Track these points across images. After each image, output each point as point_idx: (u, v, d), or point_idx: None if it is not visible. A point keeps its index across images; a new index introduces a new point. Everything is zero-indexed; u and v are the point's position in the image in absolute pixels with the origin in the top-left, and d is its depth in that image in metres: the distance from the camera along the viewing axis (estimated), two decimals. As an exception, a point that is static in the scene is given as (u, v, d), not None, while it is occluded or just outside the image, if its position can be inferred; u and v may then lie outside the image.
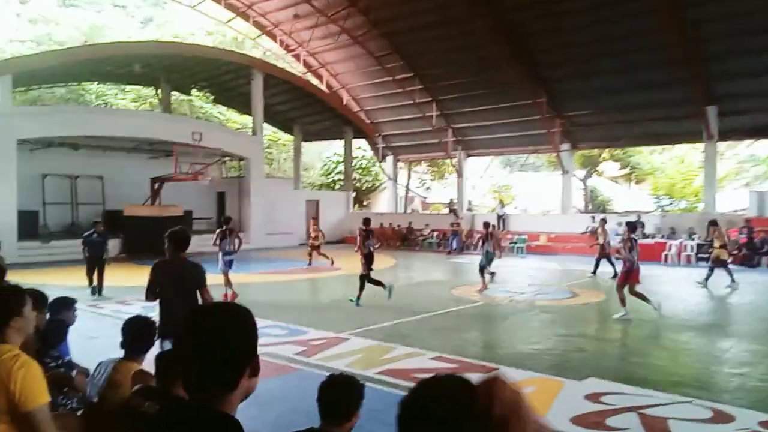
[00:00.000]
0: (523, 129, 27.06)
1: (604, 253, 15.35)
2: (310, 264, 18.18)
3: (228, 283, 11.53)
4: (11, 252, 16.67)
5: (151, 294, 4.83)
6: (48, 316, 4.08)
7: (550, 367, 6.83)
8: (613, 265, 14.81)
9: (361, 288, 11.22)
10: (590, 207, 34.46)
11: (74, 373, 3.77)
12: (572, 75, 23.69)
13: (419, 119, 29.96)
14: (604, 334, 8.96)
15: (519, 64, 23.85)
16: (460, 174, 30.74)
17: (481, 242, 13.68)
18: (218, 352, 1.34)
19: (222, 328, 1.36)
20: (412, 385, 1.22)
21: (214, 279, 13.66)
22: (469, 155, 30.94)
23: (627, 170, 37.56)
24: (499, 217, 25.93)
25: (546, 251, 23.27)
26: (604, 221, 16.23)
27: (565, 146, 26.51)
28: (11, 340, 2.38)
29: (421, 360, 7.08)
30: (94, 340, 7.50)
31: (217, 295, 6.35)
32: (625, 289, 9.94)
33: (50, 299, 4.27)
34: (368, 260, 11.50)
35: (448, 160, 33.14)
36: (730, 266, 14.01)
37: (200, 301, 4.79)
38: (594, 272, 15.68)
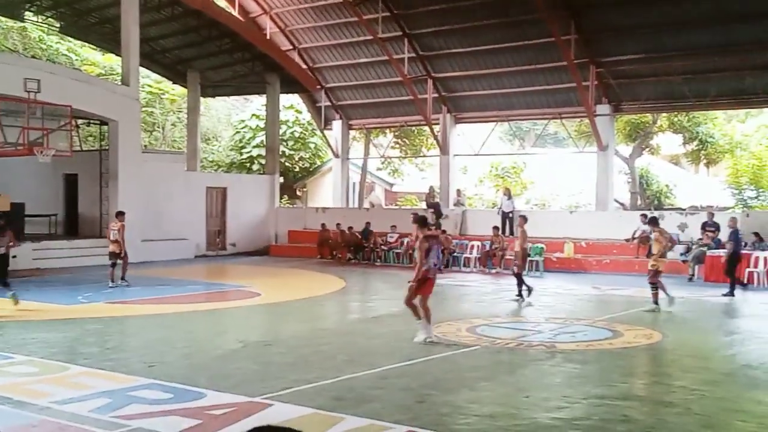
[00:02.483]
0: (542, 81, 27.33)
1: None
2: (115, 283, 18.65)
3: None
4: None
5: None
6: None
7: (580, 447, 6.82)
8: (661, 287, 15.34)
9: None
10: (640, 201, 35.07)
11: None
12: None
13: (383, 64, 29.93)
14: (659, 394, 9.03)
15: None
16: (444, 150, 30.83)
17: None
18: None
19: None
20: None
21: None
22: (458, 121, 31.09)
23: (694, 146, 38.27)
24: (505, 215, 26.08)
25: (573, 267, 23.52)
26: (653, 220, 16.62)
27: (604, 108, 26.91)
28: None
29: (383, 438, 6.96)
30: None
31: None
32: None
33: None
34: None
35: (426, 129, 33.21)
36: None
37: None
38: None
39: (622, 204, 34.33)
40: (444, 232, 24.64)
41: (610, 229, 24.34)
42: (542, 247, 23.85)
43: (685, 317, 15.13)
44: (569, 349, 11.51)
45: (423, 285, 11.75)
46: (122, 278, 18.77)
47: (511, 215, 26.09)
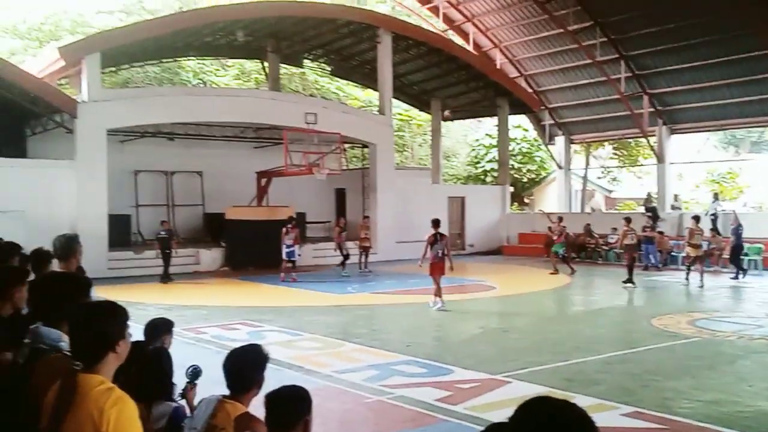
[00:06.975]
0: (756, 91, 25.09)
1: None
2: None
3: None
4: (100, 264, 18.58)
5: None
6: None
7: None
8: None
9: None
10: None
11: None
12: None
13: (601, 84, 28.89)
14: None
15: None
16: (660, 158, 29.16)
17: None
18: None
19: None
20: None
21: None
22: (673, 132, 29.30)
23: None
24: (713, 217, 24.06)
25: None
26: None
27: (822, 115, 24.13)
28: (106, 370, 2.52)
29: (611, 416, 6.77)
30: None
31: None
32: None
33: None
34: None
35: (643, 140, 31.59)
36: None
37: None
38: None
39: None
40: (662, 233, 23.26)
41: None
42: (761, 248, 21.88)
43: None
44: (791, 343, 10.48)
45: (433, 268, 13.86)
46: (365, 266, 21.91)
47: (714, 216, 24.07)
